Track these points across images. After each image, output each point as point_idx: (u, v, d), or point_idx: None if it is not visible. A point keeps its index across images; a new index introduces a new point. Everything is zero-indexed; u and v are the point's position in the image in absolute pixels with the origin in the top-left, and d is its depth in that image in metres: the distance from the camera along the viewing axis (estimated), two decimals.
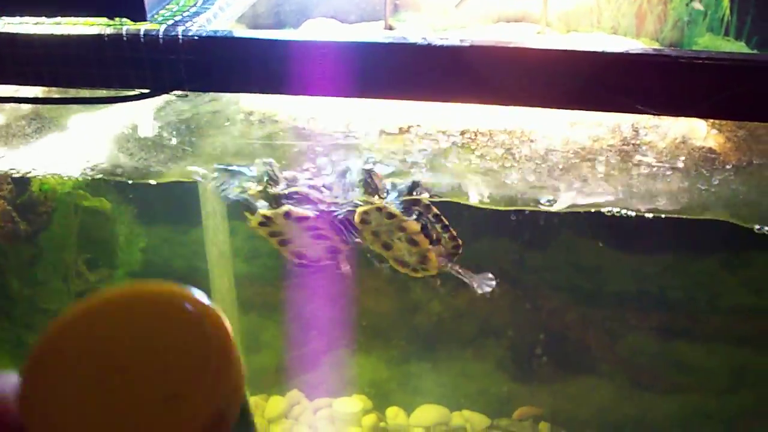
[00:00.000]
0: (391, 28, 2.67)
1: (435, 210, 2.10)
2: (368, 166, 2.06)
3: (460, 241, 2.14)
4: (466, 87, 1.50)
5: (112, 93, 1.70)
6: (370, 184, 2.06)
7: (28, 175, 2.47)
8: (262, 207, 2.09)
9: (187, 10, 1.74)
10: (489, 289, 2.17)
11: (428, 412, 3.46)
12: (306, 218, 2.10)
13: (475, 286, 2.17)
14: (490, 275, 2.18)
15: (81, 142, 2.43)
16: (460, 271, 2.18)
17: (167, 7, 1.76)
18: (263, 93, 1.85)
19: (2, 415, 0.54)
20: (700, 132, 2.30)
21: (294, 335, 3.31)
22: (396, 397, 3.47)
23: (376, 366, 3.46)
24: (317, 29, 2.70)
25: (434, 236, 2.11)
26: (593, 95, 1.48)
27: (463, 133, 2.28)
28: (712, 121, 2.31)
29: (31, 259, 3.12)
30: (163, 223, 3.41)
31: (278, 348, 3.43)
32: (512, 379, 3.38)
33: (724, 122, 2.31)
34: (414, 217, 2.07)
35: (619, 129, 2.30)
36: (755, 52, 2.64)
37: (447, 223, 2.11)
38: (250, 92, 1.91)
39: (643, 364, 3.29)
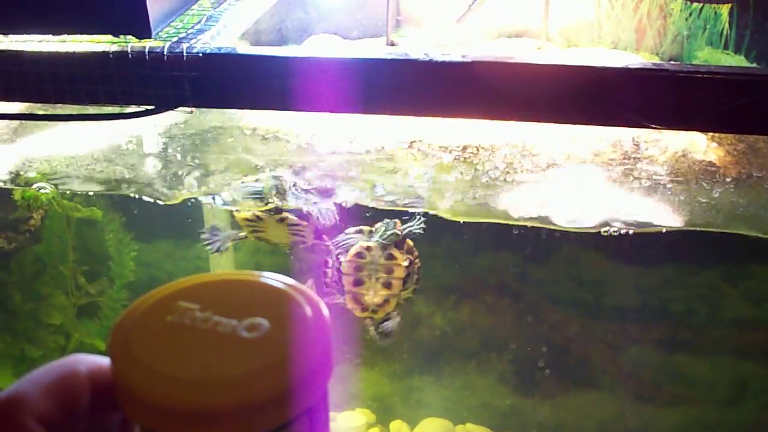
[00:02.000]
0: (393, 44, 2.69)
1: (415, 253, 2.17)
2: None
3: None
4: (468, 102, 1.52)
5: (117, 110, 1.71)
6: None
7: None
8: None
9: (192, 28, 1.76)
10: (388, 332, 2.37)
11: (432, 426, 3.45)
12: (298, 225, 2.19)
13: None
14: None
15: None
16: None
17: (172, 24, 1.78)
18: (267, 109, 1.87)
19: (78, 396, 0.55)
20: (700, 145, 2.31)
21: None
22: (399, 410, 3.47)
23: (380, 380, 3.46)
24: (320, 45, 2.71)
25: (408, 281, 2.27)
26: (593, 110, 1.49)
27: (464, 148, 2.30)
28: (711, 134, 2.32)
29: (33, 274, 3.13)
30: (166, 238, 3.42)
31: None
32: (515, 392, 3.38)
33: (723, 136, 2.33)
34: (406, 263, 2.13)
35: (620, 143, 2.31)
36: (754, 65, 2.65)
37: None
38: (254, 108, 1.92)
39: (645, 376, 3.29)
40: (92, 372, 0.56)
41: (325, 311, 0.55)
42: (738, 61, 2.66)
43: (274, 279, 0.58)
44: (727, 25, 2.68)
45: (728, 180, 2.22)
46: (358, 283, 2.28)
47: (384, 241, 2.23)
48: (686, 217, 2.16)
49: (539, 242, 2.87)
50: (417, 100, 1.54)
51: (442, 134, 2.33)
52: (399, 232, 2.23)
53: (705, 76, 1.40)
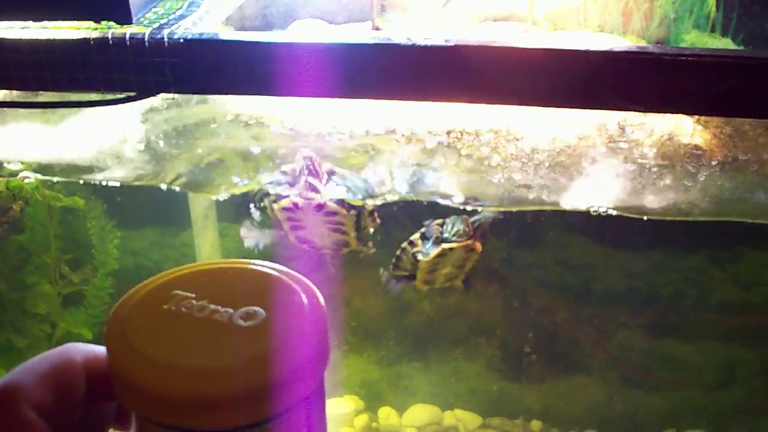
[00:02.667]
0: (378, 29, 2.67)
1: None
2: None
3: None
4: (452, 86, 1.51)
5: (98, 96, 1.69)
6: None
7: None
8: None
9: (173, 13, 1.74)
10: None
11: (420, 412, 3.45)
12: (335, 213, 2.23)
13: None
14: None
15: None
16: None
17: (153, 10, 1.76)
18: (250, 95, 1.85)
19: (73, 385, 0.55)
20: (686, 129, 2.31)
21: None
22: (388, 397, 3.47)
23: (368, 366, 3.46)
24: (304, 30, 2.70)
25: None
26: (578, 93, 1.48)
27: (449, 132, 2.29)
28: (697, 117, 2.31)
29: (18, 264, 3.11)
30: (153, 226, 3.41)
31: None
32: (503, 378, 3.38)
33: (710, 119, 2.32)
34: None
35: (606, 127, 2.31)
36: (741, 48, 2.64)
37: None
38: (237, 94, 1.91)
39: (634, 361, 3.29)
40: (88, 360, 0.56)
41: (321, 299, 0.55)
42: (725, 44, 2.65)
43: (269, 267, 0.58)
44: (713, 8, 2.67)
45: (714, 163, 2.21)
46: (432, 270, 2.50)
47: (455, 238, 2.38)
48: (671, 202, 2.16)
49: (526, 226, 2.87)
50: (401, 84, 1.53)
51: (426, 119, 2.33)
52: (467, 228, 2.37)
53: (690, 58, 1.39)
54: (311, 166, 2.16)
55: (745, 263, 3.13)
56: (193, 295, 0.55)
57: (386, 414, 3.46)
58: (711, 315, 3.23)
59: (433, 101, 1.63)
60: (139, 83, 1.62)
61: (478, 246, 2.40)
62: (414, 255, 2.43)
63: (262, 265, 0.58)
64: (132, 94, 1.65)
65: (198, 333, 0.52)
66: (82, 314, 3.20)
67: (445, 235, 2.39)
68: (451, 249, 2.37)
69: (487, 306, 3.30)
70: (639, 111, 1.50)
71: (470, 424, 3.45)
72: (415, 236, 2.42)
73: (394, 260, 2.50)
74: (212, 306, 0.54)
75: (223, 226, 3.22)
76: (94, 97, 1.71)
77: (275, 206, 2.28)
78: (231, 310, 0.53)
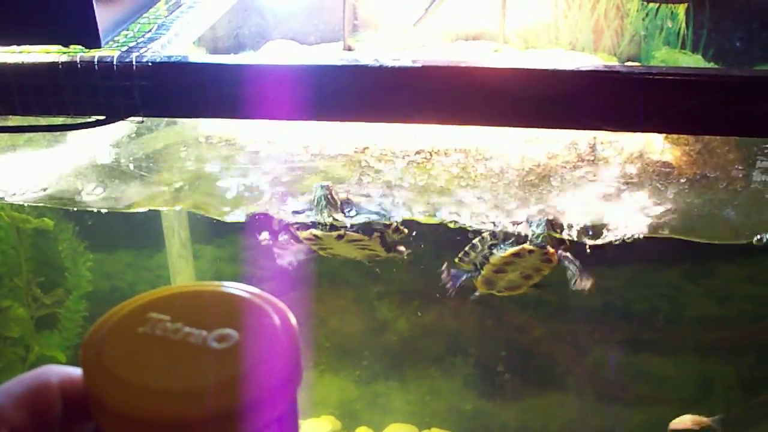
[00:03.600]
0: (350, 49, 2.68)
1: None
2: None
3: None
4: (420, 107, 1.50)
5: (68, 120, 1.69)
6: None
7: None
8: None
9: (142, 36, 1.74)
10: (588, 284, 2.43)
11: (397, 431, 3.44)
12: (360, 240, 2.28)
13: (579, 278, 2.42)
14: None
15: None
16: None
17: (123, 33, 1.75)
18: (218, 118, 1.85)
19: (49, 406, 0.55)
20: (656, 146, 2.32)
21: None
22: (365, 416, 3.46)
23: (344, 386, 3.45)
24: (274, 52, 2.70)
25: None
26: (546, 113, 1.48)
27: (418, 152, 2.29)
28: (666, 135, 2.32)
29: None
30: (127, 248, 3.39)
31: None
32: (480, 396, 3.37)
33: (680, 136, 2.33)
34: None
35: (576, 145, 2.31)
36: (712, 64, 2.66)
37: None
38: (206, 117, 1.90)
39: (610, 377, 3.29)
40: (64, 382, 0.56)
41: (293, 320, 0.56)
42: (695, 60, 2.67)
43: (242, 290, 0.58)
44: (683, 25, 2.69)
45: (683, 180, 2.22)
46: (500, 272, 2.41)
47: (537, 243, 2.28)
48: (642, 220, 2.16)
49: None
50: (369, 106, 1.53)
51: (396, 139, 2.33)
52: (550, 235, 2.29)
53: (657, 77, 1.39)
54: (329, 196, 2.18)
55: (718, 277, 3.14)
56: (168, 318, 0.55)
57: None
58: (687, 329, 3.24)
59: (403, 122, 1.63)
60: (108, 107, 1.61)
61: (555, 258, 2.33)
62: (490, 247, 2.35)
63: (236, 288, 0.59)
64: (101, 117, 1.64)
65: (172, 355, 0.53)
66: (56, 337, 3.19)
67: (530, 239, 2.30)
68: (530, 251, 2.28)
69: (463, 324, 3.29)
70: (608, 130, 1.51)
71: None
72: (486, 234, 2.35)
73: (460, 254, 2.43)
74: (187, 329, 0.54)
75: (197, 248, 3.21)
76: (62, 120, 1.70)
77: (300, 234, 2.30)
78: (205, 333, 0.54)
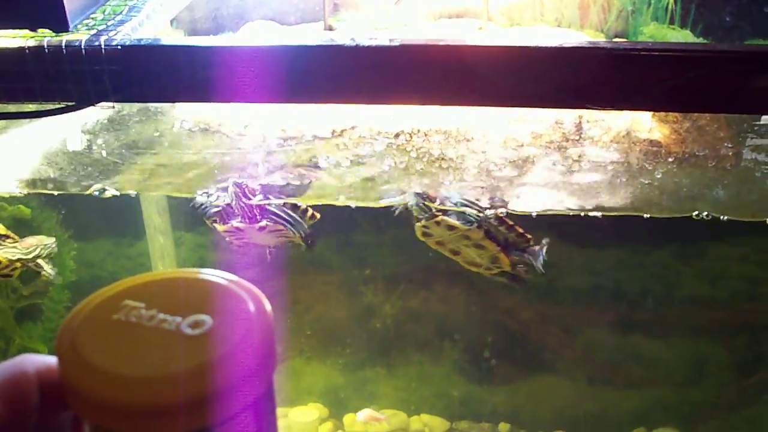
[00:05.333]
0: (331, 29, 2.63)
1: (497, 214, 2.23)
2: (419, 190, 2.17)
3: (528, 235, 2.30)
4: (398, 88, 1.46)
5: (36, 107, 1.65)
6: (423, 208, 2.16)
7: None
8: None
9: (112, 19, 1.69)
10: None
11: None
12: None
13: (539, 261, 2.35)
14: (544, 240, 2.34)
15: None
16: (529, 257, 2.34)
17: (92, 16, 1.70)
18: (191, 101, 1.82)
19: (26, 395, 0.56)
20: (644, 124, 2.28)
21: None
22: (353, 403, 3.44)
23: (331, 373, 3.43)
24: (250, 33, 2.65)
25: (501, 238, 2.28)
26: (530, 91, 1.44)
27: (397, 135, 2.26)
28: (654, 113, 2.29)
29: None
30: (107, 236, 3.35)
31: None
32: (470, 381, 3.35)
33: (668, 114, 2.30)
34: (474, 225, 2.18)
35: (561, 124, 2.28)
36: (701, 39, 2.62)
37: (511, 223, 2.24)
38: (178, 101, 1.86)
39: (602, 359, 3.27)
40: (40, 371, 0.57)
41: (268, 306, 0.57)
42: (684, 35, 2.63)
43: (217, 276, 0.59)
44: (672, 0, 2.65)
45: (671, 160, 2.19)
46: (455, 252, 2.35)
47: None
48: (630, 200, 2.14)
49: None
50: (346, 87, 1.48)
51: (377, 119, 2.29)
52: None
53: (642, 53, 1.35)
54: (241, 191, 2.18)
55: (710, 257, 3.12)
56: (143, 305, 0.56)
57: (351, 421, 3.43)
58: (678, 310, 3.22)
59: (382, 104, 1.59)
60: (77, 92, 1.57)
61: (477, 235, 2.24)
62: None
63: (213, 274, 0.59)
64: (71, 103, 1.60)
65: (146, 342, 0.54)
66: (38, 329, 3.16)
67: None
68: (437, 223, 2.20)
69: (451, 308, 3.27)
70: (594, 108, 1.47)
71: (437, 428, 3.42)
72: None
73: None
74: (161, 315, 0.55)
75: (179, 235, 3.18)
76: (32, 107, 1.66)
77: (217, 227, 2.30)
78: (179, 319, 0.55)
